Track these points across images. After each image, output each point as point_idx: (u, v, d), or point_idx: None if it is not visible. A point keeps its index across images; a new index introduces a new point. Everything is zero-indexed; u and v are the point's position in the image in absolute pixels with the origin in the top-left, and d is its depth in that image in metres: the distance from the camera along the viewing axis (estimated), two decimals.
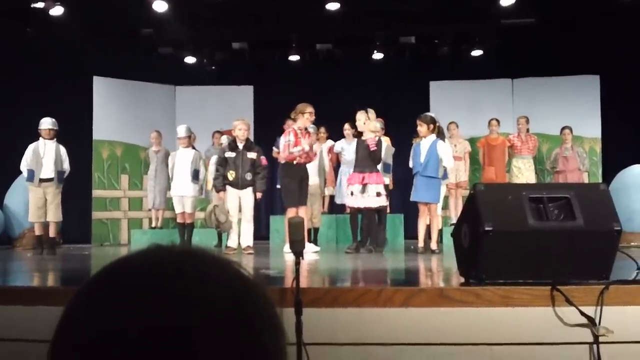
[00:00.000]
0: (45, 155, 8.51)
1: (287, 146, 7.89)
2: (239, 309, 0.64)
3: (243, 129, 8.05)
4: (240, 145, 8.04)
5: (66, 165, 8.61)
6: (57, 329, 0.65)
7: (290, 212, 7.60)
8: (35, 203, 8.50)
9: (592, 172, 11.04)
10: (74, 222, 10.67)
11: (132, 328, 0.60)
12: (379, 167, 8.35)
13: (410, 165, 8.14)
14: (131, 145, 11.42)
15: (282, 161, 8.05)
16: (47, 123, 8.59)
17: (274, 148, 10.16)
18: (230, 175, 7.96)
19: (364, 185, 7.84)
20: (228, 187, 7.99)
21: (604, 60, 10.96)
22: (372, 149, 7.79)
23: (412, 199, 7.85)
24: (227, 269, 0.68)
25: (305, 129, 8.06)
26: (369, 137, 7.89)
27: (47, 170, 8.48)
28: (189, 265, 0.66)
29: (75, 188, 9.97)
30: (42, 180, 8.47)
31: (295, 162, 7.92)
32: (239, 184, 7.95)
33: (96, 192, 11.17)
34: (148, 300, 0.61)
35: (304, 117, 7.94)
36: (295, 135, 7.89)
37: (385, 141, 9.00)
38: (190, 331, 0.60)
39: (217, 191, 8.17)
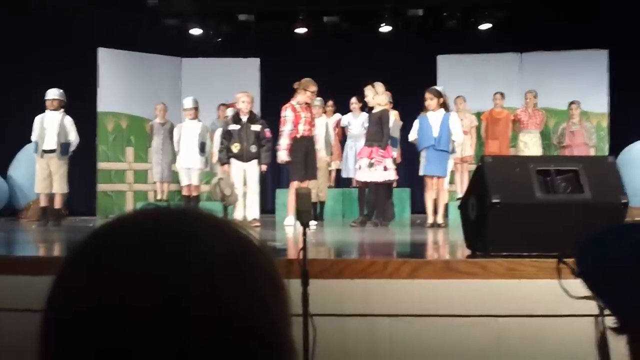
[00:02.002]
0: (49, 126, 8.48)
1: (283, 122, 7.88)
2: (239, 270, 0.62)
3: (246, 102, 8.01)
4: (244, 118, 8.01)
5: (72, 137, 8.56)
6: (49, 296, 0.62)
7: (294, 186, 7.60)
8: (40, 174, 8.50)
9: (599, 147, 10.97)
10: (79, 194, 10.67)
11: (127, 290, 0.58)
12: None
13: (411, 138, 8.09)
14: (136, 117, 11.39)
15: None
16: (51, 94, 8.56)
17: None
18: (235, 147, 7.94)
19: (371, 160, 7.83)
20: (233, 160, 7.97)
21: (613, 35, 10.84)
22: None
23: (424, 172, 7.77)
24: (226, 229, 0.65)
25: (307, 103, 8.03)
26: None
27: (50, 142, 8.45)
28: (187, 225, 0.64)
29: (80, 160, 9.95)
30: (45, 152, 8.45)
31: (298, 135, 7.89)
32: (243, 157, 7.93)
33: (101, 165, 11.16)
34: (144, 261, 0.59)
35: (306, 94, 7.90)
36: (294, 110, 7.87)
37: (393, 115, 8.96)
38: (188, 292, 0.58)
39: (222, 164, 8.16)
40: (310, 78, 8.01)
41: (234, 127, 7.99)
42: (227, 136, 8.01)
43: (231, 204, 8.24)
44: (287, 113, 7.89)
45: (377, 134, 7.87)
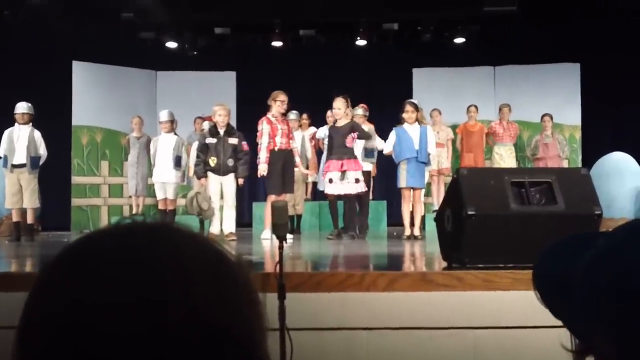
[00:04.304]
0: (18, 140, 8.39)
1: (260, 135, 7.89)
2: (215, 279, 0.63)
3: (223, 115, 8.00)
4: (221, 131, 7.99)
5: (41, 151, 8.47)
6: (26, 303, 0.62)
7: (271, 200, 7.57)
8: (10, 189, 8.38)
9: (572, 159, 11.11)
10: (53, 209, 10.54)
11: (103, 300, 0.58)
12: (360, 153, 8.39)
13: (387, 151, 8.08)
14: (111, 131, 11.30)
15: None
16: (20, 107, 8.47)
17: None
18: (212, 161, 7.92)
19: (343, 172, 7.82)
20: (210, 174, 7.94)
21: (585, 48, 11.02)
22: (349, 145, 7.82)
23: (406, 184, 7.72)
24: (202, 241, 0.66)
25: (283, 114, 8.05)
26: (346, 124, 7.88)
27: (20, 156, 8.35)
28: (163, 238, 0.64)
29: (54, 175, 9.84)
30: (14, 166, 8.35)
31: (276, 148, 7.89)
32: (220, 170, 7.90)
33: (75, 179, 11.04)
34: (120, 271, 0.60)
35: (276, 104, 7.92)
36: (269, 122, 7.88)
37: (369, 128, 8.99)
38: (164, 304, 0.59)
39: (199, 178, 8.12)
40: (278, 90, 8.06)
41: (211, 140, 7.97)
42: (204, 149, 7.98)
43: (208, 218, 8.20)
44: (263, 126, 7.90)
45: (344, 146, 7.88)
